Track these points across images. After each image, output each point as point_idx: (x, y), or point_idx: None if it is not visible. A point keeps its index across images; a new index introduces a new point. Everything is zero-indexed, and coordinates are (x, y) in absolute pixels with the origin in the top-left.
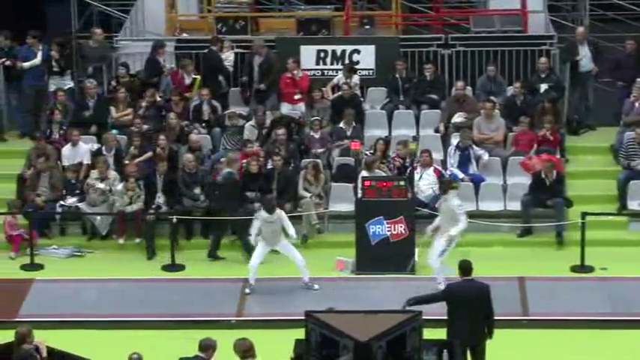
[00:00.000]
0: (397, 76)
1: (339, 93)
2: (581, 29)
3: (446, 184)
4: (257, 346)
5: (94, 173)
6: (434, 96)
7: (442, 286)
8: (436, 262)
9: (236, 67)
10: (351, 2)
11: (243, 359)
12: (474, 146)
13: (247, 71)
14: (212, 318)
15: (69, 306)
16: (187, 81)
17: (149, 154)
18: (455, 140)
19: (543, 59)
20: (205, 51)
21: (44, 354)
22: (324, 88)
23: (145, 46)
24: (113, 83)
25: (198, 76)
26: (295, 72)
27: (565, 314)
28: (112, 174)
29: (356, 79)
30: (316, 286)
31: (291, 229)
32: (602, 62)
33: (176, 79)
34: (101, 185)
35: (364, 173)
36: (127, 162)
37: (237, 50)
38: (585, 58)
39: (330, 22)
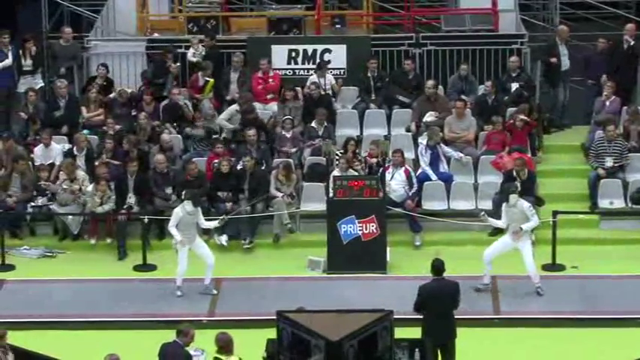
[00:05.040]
0: (369, 75)
1: (311, 92)
2: (565, 28)
3: (505, 191)
4: None
5: (63, 174)
6: (405, 99)
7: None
8: (533, 267)
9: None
10: (322, 1)
11: (219, 353)
12: (441, 144)
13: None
14: (184, 318)
15: (40, 307)
16: (201, 82)
17: (119, 163)
18: (424, 139)
19: (514, 58)
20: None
21: None
22: (297, 88)
23: (116, 46)
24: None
25: (212, 79)
26: (267, 72)
27: (536, 313)
28: (81, 174)
29: (330, 78)
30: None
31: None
32: (571, 61)
33: (193, 81)
34: (68, 186)
35: (336, 172)
36: (97, 163)
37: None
38: (564, 56)
39: (302, 21)
